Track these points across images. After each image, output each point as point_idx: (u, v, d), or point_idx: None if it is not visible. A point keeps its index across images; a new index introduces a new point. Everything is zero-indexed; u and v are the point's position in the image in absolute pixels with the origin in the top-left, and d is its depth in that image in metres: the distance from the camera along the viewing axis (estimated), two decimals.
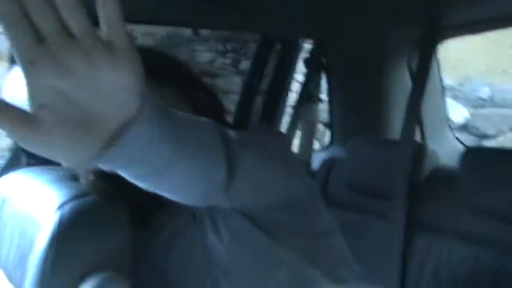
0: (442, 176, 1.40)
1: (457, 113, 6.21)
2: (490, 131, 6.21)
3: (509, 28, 1.62)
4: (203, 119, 0.67)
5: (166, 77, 0.89)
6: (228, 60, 5.05)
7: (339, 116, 1.82)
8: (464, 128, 6.24)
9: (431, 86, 1.70)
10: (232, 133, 0.77)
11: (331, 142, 1.87)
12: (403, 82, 1.65)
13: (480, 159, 1.27)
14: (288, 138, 1.56)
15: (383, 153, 1.50)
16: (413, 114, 1.40)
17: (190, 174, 0.62)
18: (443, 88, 1.79)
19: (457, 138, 1.82)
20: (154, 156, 0.54)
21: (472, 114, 6.29)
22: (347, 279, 0.94)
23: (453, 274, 1.29)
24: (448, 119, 1.83)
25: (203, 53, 5.25)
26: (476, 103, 6.36)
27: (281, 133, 1.24)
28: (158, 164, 0.55)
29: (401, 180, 1.38)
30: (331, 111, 1.84)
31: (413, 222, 1.39)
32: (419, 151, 1.41)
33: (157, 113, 0.53)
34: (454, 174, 1.30)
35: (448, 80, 6.46)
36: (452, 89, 6.42)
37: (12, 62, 1.13)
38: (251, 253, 0.83)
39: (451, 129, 1.83)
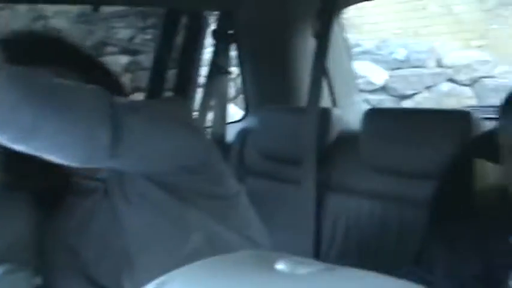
0: (348, 138, 1.45)
1: (377, 75, 6.43)
2: (407, 91, 6.48)
3: None
4: (92, 87, 0.69)
5: (64, 62, 0.88)
6: (149, 36, 4.91)
7: (252, 87, 1.84)
8: (384, 89, 6.48)
9: (337, 52, 1.75)
10: (123, 100, 0.78)
11: (246, 113, 1.89)
12: (309, 49, 1.69)
13: (379, 119, 1.33)
14: (188, 105, 1.56)
15: (291, 120, 1.54)
16: (317, 80, 1.44)
17: (69, 136, 0.65)
18: (350, 53, 1.84)
19: (366, 101, 1.89)
20: (20, 118, 0.56)
21: (390, 76, 6.52)
22: (258, 240, 0.98)
23: (362, 230, 1.36)
24: (356, 83, 1.90)
25: (122, 30, 5.07)
26: (394, 65, 6.59)
27: (180, 100, 1.25)
28: (26, 126, 0.58)
29: (309, 146, 1.42)
30: (243, 82, 1.85)
31: (324, 185, 1.45)
32: (325, 116, 1.46)
33: (21, 78, 0.55)
34: (358, 135, 1.36)
35: (367, 44, 6.65)
36: (370, 52, 6.61)
37: None
38: (160, 216, 0.85)
39: (361, 91, 1.90)
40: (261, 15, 1.68)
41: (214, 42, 1.71)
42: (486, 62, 6.20)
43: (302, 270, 0.49)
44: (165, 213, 0.85)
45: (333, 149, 1.47)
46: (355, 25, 6.82)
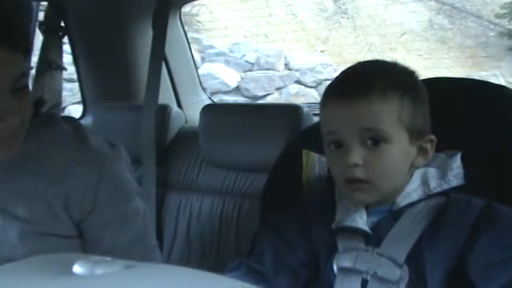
0: (188, 135, 1.44)
1: (230, 77, 6.58)
2: (259, 92, 6.74)
3: None
4: None
5: None
6: None
7: (89, 84, 1.74)
8: (237, 90, 6.66)
9: (179, 51, 1.72)
10: None
11: (84, 111, 1.78)
12: (149, 45, 1.64)
13: (216, 115, 1.33)
14: None
15: (130, 118, 1.48)
16: (155, 77, 1.40)
17: None
18: (192, 54, 1.81)
19: (210, 98, 1.90)
20: None
21: (242, 78, 6.72)
22: None
23: (204, 225, 1.36)
24: (200, 82, 1.88)
25: None
26: (245, 67, 6.80)
27: None
28: None
29: (148, 144, 1.38)
30: (79, 79, 1.74)
31: (165, 183, 1.42)
32: (164, 113, 1.43)
33: None
34: (197, 132, 1.35)
35: (220, 46, 6.78)
36: (224, 54, 6.76)
37: None
38: None
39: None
40: (94, 8, 1.59)
41: (43, 35, 1.58)
42: (328, 65, 6.70)
43: (100, 270, 0.46)
44: None
45: (173, 147, 1.44)
46: (209, 28, 6.94)
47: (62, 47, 1.62)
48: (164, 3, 1.43)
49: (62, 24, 1.60)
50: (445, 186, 0.81)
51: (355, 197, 0.82)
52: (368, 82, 0.79)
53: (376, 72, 0.82)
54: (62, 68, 1.59)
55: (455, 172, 0.81)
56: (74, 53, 1.68)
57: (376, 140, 0.78)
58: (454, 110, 0.89)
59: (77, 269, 0.46)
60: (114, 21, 1.62)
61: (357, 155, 0.78)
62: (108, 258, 0.48)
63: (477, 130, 0.87)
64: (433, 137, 0.83)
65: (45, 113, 0.98)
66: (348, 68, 0.87)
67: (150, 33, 1.59)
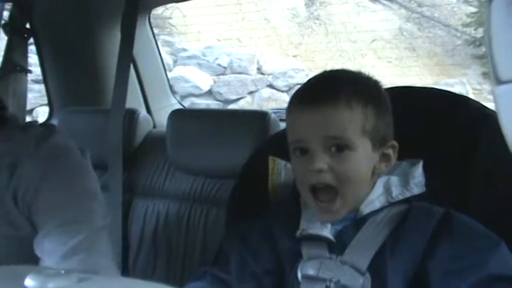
0: (156, 139, 1.43)
1: (203, 80, 6.56)
2: (231, 96, 6.73)
3: None
4: None
5: None
6: None
7: (56, 86, 1.70)
8: (210, 94, 6.64)
9: (149, 57, 1.71)
10: None
11: (50, 114, 1.74)
12: (117, 49, 1.61)
13: (184, 120, 1.32)
14: None
15: (96, 122, 1.45)
16: (123, 81, 1.38)
17: None
18: (161, 58, 1.80)
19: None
20: None
21: (215, 81, 6.70)
22: None
23: (170, 232, 1.34)
24: (169, 86, 1.87)
25: None
26: (218, 70, 6.79)
27: None
28: None
29: (115, 149, 1.36)
30: (45, 82, 1.70)
31: (132, 188, 1.40)
32: (131, 117, 1.41)
33: None
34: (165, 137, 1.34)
35: (193, 50, 6.76)
36: (197, 57, 6.74)
37: None
38: None
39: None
40: (61, 9, 1.56)
41: (7, 36, 1.54)
42: (300, 70, 6.75)
43: (52, 284, 0.45)
44: None
45: (140, 151, 1.43)
46: (181, 31, 6.91)
47: (27, 49, 1.58)
48: (133, 5, 1.42)
49: (28, 25, 1.57)
50: (407, 194, 0.82)
51: (323, 218, 0.82)
52: (334, 91, 0.80)
53: (342, 80, 0.83)
54: (26, 71, 1.55)
55: (417, 180, 0.83)
56: (40, 55, 1.65)
57: (340, 147, 0.79)
58: (418, 118, 0.90)
59: (29, 282, 0.46)
60: (82, 23, 1.60)
61: (321, 161, 0.78)
62: (62, 271, 0.47)
63: (439, 139, 0.88)
64: (395, 143, 0.84)
65: (28, 122, 1.00)
66: (314, 77, 0.87)
67: (119, 35, 1.58)
